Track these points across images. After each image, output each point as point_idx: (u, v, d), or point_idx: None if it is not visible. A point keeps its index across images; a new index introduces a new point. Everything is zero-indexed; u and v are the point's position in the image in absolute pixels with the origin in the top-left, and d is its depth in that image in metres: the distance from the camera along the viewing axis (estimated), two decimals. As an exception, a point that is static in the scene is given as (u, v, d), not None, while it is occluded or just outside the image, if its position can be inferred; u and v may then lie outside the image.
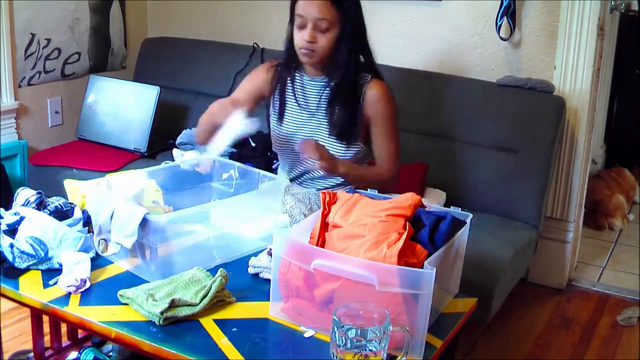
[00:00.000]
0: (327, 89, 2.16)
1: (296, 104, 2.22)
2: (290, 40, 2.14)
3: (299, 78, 2.22)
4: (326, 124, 2.18)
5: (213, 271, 1.65)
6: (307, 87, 2.21)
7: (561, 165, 3.01)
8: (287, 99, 2.23)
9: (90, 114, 3.42)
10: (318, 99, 2.18)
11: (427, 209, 1.65)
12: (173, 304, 1.50)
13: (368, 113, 2.15)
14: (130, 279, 1.69)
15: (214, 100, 2.66)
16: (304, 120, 2.21)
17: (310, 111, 2.20)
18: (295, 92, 2.22)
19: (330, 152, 2.13)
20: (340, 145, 2.17)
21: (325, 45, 2.07)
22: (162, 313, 1.48)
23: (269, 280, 1.61)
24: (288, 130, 2.23)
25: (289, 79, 2.22)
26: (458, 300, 1.69)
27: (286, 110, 2.24)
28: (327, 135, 2.17)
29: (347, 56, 2.10)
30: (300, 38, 2.08)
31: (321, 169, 2.03)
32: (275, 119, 2.25)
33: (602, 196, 3.89)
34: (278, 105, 2.24)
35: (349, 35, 2.09)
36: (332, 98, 2.15)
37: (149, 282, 1.65)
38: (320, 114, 2.19)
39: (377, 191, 1.78)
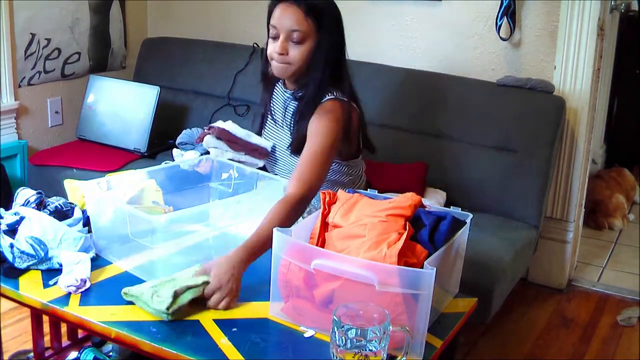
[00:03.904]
0: (293, 102, 2.10)
1: (271, 116, 2.18)
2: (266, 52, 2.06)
3: (277, 89, 2.18)
4: (289, 138, 2.10)
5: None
6: (281, 99, 2.15)
7: (561, 165, 3.01)
8: (267, 111, 2.20)
9: (90, 114, 3.41)
10: (283, 110, 2.13)
11: (427, 209, 1.65)
12: (176, 295, 1.50)
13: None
14: (130, 279, 1.69)
15: (213, 101, 2.70)
16: (277, 132, 2.18)
17: (280, 124, 2.15)
18: (272, 104, 2.18)
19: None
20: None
21: (298, 58, 1.97)
22: (168, 309, 1.48)
23: (269, 280, 1.60)
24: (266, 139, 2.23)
25: (270, 91, 2.19)
26: (458, 300, 1.69)
27: (266, 122, 2.22)
28: (288, 150, 2.10)
29: (321, 71, 1.98)
30: (272, 50, 1.98)
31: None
32: (258, 131, 2.25)
33: (602, 196, 3.88)
34: (261, 117, 2.24)
35: (325, 49, 1.98)
36: (294, 112, 2.08)
37: None
38: (286, 127, 2.12)
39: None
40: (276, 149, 2.19)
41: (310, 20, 1.94)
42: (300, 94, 2.05)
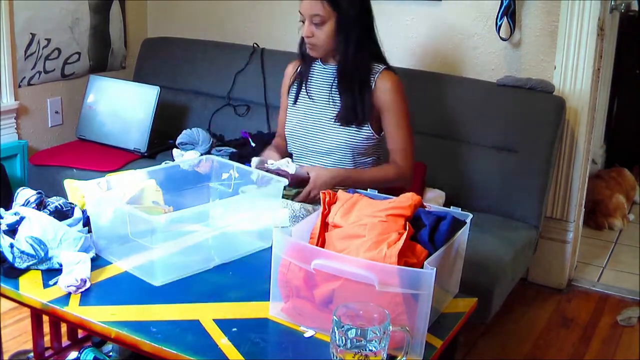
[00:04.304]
0: (336, 75, 2.28)
1: (306, 90, 2.34)
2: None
3: (315, 65, 2.35)
4: (332, 108, 2.28)
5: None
6: (321, 73, 2.33)
7: (561, 165, 3.01)
8: (303, 85, 2.36)
9: (90, 114, 3.41)
10: (328, 85, 2.30)
11: (427, 209, 1.65)
12: None
13: (379, 103, 2.24)
14: (131, 279, 1.69)
15: (213, 101, 2.72)
16: (314, 105, 2.33)
17: (320, 97, 2.32)
18: (310, 78, 2.34)
19: (337, 137, 2.26)
20: (346, 130, 2.26)
21: (323, 38, 2.20)
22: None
23: (269, 280, 1.60)
24: (299, 114, 2.35)
25: (306, 67, 2.36)
26: (458, 300, 1.69)
27: (300, 95, 2.36)
28: (332, 120, 2.28)
29: (349, 46, 2.19)
30: (303, 33, 2.23)
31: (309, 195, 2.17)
32: (291, 103, 2.38)
33: (602, 196, 3.88)
34: (295, 90, 2.38)
35: (347, 26, 2.18)
36: (338, 83, 2.26)
37: (148, 282, 1.65)
38: (329, 99, 2.29)
39: (376, 191, 1.79)
40: (308, 118, 2.33)
41: (327, 3, 2.15)
42: (338, 67, 2.25)
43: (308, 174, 2.17)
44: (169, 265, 1.68)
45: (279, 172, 2.18)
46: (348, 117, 2.24)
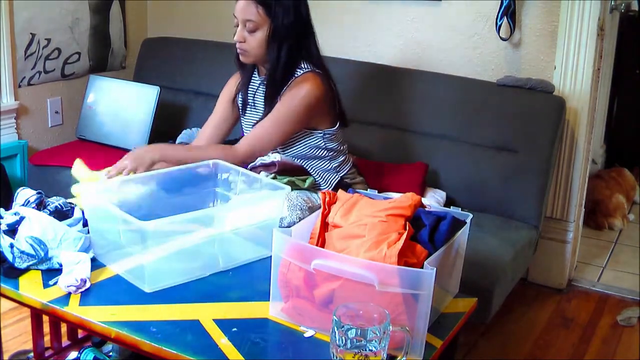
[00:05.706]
0: (262, 86, 2.26)
1: (246, 102, 2.33)
2: None
3: (254, 77, 2.33)
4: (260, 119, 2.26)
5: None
6: (256, 85, 2.31)
7: (561, 165, 3.01)
8: (246, 98, 2.35)
9: (90, 114, 3.41)
10: (253, 97, 2.30)
11: (427, 209, 1.65)
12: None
13: None
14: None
15: (213, 101, 2.72)
16: (252, 117, 2.32)
17: (256, 108, 2.31)
18: (248, 91, 2.32)
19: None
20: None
21: (254, 45, 2.14)
22: None
23: (269, 281, 1.61)
24: (247, 127, 2.35)
25: (245, 77, 2.33)
26: (458, 300, 1.69)
27: (246, 109, 2.36)
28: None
29: (280, 55, 2.14)
30: (235, 37, 2.18)
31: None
32: (242, 115, 2.38)
33: (602, 196, 3.88)
34: (241, 102, 2.36)
35: (280, 36, 2.13)
36: (265, 91, 2.23)
37: (139, 288, 1.64)
38: (261, 110, 2.28)
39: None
40: (247, 131, 2.34)
41: (262, 10, 2.10)
42: (266, 75, 2.21)
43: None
44: (159, 272, 1.65)
45: (265, 164, 2.18)
46: None
